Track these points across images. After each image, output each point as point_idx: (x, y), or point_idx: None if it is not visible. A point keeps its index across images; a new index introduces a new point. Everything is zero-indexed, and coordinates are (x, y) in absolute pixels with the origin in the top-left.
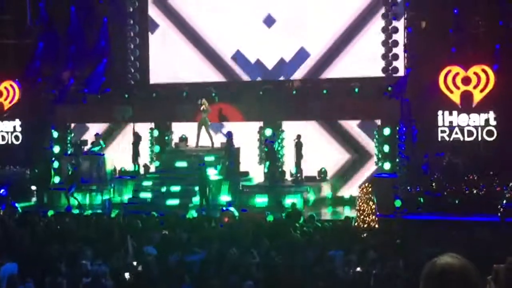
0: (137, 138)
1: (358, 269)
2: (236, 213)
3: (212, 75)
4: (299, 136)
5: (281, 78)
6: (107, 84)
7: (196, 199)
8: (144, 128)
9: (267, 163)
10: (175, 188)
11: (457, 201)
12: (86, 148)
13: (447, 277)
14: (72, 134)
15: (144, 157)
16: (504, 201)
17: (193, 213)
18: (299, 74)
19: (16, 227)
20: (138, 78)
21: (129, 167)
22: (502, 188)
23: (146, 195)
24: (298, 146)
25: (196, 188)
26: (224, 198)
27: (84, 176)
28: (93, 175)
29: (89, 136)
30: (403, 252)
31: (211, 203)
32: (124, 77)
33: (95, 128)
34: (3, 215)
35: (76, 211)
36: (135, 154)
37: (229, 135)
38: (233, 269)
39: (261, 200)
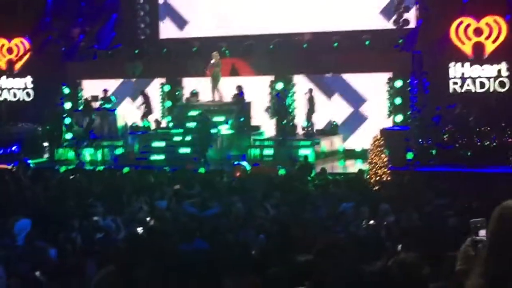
0: (145, 98)
1: (371, 222)
2: (248, 167)
3: (223, 30)
4: (310, 90)
5: (292, 31)
6: (117, 40)
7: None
8: (155, 84)
9: (276, 117)
10: (187, 139)
11: (469, 153)
12: (97, 104)
13: (505, 215)
14: (83, 90)
15: (156, 112)
16: None
17: (204, 168)
18: (309, 26)
19: (29, 183)
20: (148, 33)
21: (141, 122)
22: None
23: (158, 149)
24: (310, 99)
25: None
26: (236, 152)
27: (95, 132)
28: (104, 130)
29: (99, 92)
30: (416, 204)
31: (223, 157)
32: (134, 32)
33: (106, 84)
34: (16, 171)
35: (88, 167)
36: (146, 112)
37: (240, 92)
38: (245, 223)
39: (270, 153)
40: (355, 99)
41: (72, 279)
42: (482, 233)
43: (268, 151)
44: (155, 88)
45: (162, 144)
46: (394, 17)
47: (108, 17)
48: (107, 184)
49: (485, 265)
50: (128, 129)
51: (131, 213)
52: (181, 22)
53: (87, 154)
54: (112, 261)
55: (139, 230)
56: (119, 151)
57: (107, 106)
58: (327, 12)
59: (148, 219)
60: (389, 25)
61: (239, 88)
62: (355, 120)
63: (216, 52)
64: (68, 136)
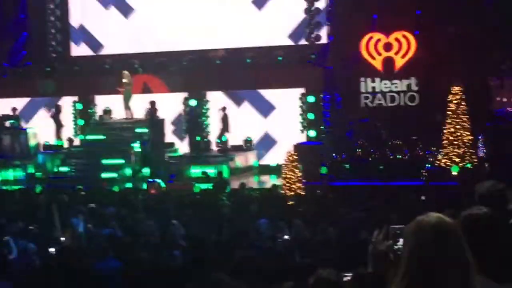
0: (56, 111)
1: (286, 237)
2: (163, 185)
3: (135, 47)
4: (224, 108)
5: (205, 48)
6: (27, 58)
7: (123, 172)
8: (67, 102)
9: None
10: (106, 161)
11: (382, 167)
12: (7, 123)
13: (441, 230)
14: None
15: (68, 131)
16: (428, 165)
17: (119, 187)
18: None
19: None
20: (60, 50)
21: (53, 141)
22: (425, 152)
23: (71, 169)
24: (224, 117)
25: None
26: (149, 170)
27: (6, 151)
28: (15, 150)
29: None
30: (332, 218)
31: (138, 175)
32: (45, 50)
33: (16, 103)
34: None
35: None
36: (58, 127)
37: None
38: (160, 241)
39: (194, 171)
40: (268, 113)
41: None
42: (401, 242)
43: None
44: (68, 106)
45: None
46: (306, 33)
47: (17, 35)
48: (21, 203)
49: (403, 279)
50: (40, 147)
51: (45, 233)
52: (96, 45)
53: None
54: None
55: (53, 250)
56: (31, 170)
57: (16, 124)
58: (240, 28)
59: (62, 238)
60: (301, 41)
61: (152, 103)
62: (269, 136)
63: (126, 71)
64: None
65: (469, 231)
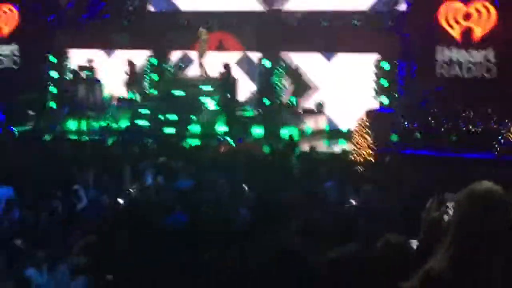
0: (130, 66)
1: (353, 201)
2: (233, 144)
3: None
4: (297, 67)
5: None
6: (105, 10)
7: (193, 128)
8: (142, 56)
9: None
10: (173, 116)
11: (454, 138)
12: (83, 74)
13: (492, 198)
14: (70, 59)
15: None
16: (501, 139)
17: (189, 142)
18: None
19: (13, 150)
20: (137, 4)
21: (127, 94)
22: (499, 126)
23: (143, 123)
24: (296, 77)
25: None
26: (221, 128)
27: (80, 102)
28: (89, 101)
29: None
30: (400, 186)
31: (208, 132)
32: (123, 3)
33: (92, 54)
34: (0, 138)
35: (73, 136)
36: (129, 81)
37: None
38: (227, 198)
39: (257, 131)
40: (341, 78)
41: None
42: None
43: (254, 128)
44: (142, 61)
45: (146, 123)
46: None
47: None
48: (92, 154)
49: (449, 248)
50: (113, 99)
51: (114, 184)
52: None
53: (71, 124)
54: (94, 231)
55: (121, 201)
56: (104, 122)
57: (90, 75)
58: None
59: (131, 190)
60: (378, 7)
61: (227, 66)
62: (342, 101)
63: (203, 28)
64: (53, 105)
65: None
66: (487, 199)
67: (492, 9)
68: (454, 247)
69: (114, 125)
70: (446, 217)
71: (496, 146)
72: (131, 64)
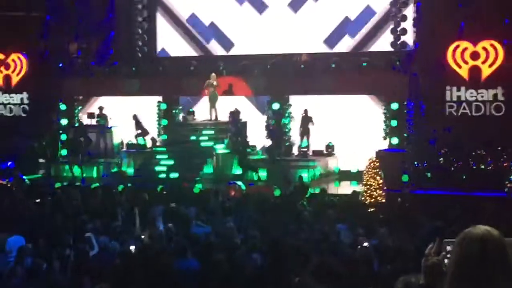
0: (136, 121)
1: (366, 244)
2: (243, 187)
3: (218, 50)
4: (306, 111)
5: (289, 52)
6: (114, 57)
7: (203, 172)
8: (152, 102)
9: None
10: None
11: (464, 176)
12: (93, 121)
13: (488, 242)
14: (80, 107)
15: (152, 131)
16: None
17: (199, 187)
18: (306, 46)
19: (24, 199)
20: (146, 51)
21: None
22: (509, 164)
23: (155, 168)
24: (305, 120)
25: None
26: (235, 171)
27: (91, 149)
28: (100, 147)
29: (95, 109)
30: (411, 226)
31: (220, 176)
32: (132, 50)
33: (102, 102)
34: (11, 187)
35: (82, 183)
36: (140, 134)
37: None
38: (239, 243)
39: (263, 174)
40: (350, 120)
41: None
42: None
43: (261, 172)
44: (152, 106)
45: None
46: (392, 40)
47: (106, 34)
48: (102, 201)
49: None
50: (123, 146)
51: (125, 230)
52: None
53: (83, 171)
54: (106, 279)
55: (133, 248)
56: (114, 168)
57: (102, 123)
58: (325, 34)
59: (142, 237)
60: (387, 47)
61: (233, 114)
62: (351, 142)
63: (214, 73)
64: (64, 152)
65: None
66: (484, 240)
67: (499, 48)
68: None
69: (124, 171)
70: (445, 261)
71: (507, 184)
72: (136, 118)
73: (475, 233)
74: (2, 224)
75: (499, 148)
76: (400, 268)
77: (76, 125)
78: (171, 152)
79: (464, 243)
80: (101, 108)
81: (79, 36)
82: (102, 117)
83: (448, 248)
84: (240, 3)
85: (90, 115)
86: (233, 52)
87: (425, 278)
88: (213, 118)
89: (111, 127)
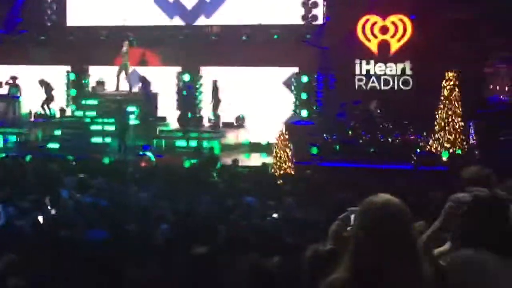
0: (44, 86)
1: (275, 215)
2: (153, 158)
3: (132, 18)
4: (215, 81)
5: (200, 23)
6: (23, 25)
7: (113, 143)
8: (61, 71)
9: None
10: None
11: (372, 149)
12: (3, 88)
13: (389, 209)
14: None
15: (60, 101)
16: (418, 150)
17: (109, 158)
18: (217, 17)
19: None
20: (55, 19)
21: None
22: (416, 137)
23: (62, 138)
24: (215, 91)
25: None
26: (141, 143)
27: None
28: (8, 117)
29: (3, 78)
30: (319, 198)
31: (128, 147)
32: (41, 18)
33: (11, 70)
34: None
35: None
36: (46, 100)
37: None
38: (147, 213)
39: (180, 144)
40: (261, 92)
41: None
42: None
43: (181, 142)
44: (61, 76)
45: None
46: (302, 13)
47: (14, 1)
48: (9, 171)
49: (350, 259)
50: (31, 116)
51: (33, 201)
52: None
53: None
54: (13, 250)
55: (40, 218)
56: (22, 138)
57: (14, 92)
58: (237, 5)
59: (49, 208)
60: (297, 20)
61: (143, 79)
62: (262, 115)
63: (127, 42)
64: None
65: (470, 211)
66: (386, 208)
67: (408, 22)
68: (354, 257)
69: (32, 141)
70: (348, 229)
71: (413, 157)
72: (44, 83)
73: (376, 202)
74: None
75: (406, 122)
76: (309, 238)
77: None
78: (80, 123)
79: (365, 212)
80: (14, 78)
81: None
82: (14, 86)
83: (353, 215)
84: None
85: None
86: (145, 23)
87: (332, 243)
88: (125, 88)
89: (18, 97)
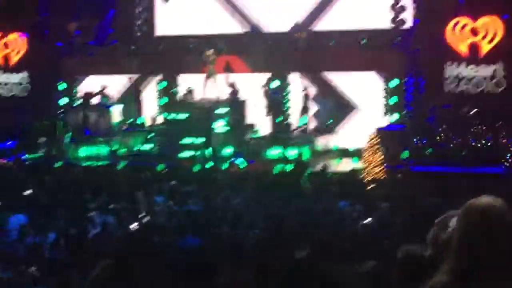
0: (136, 93)
1: (367, 220)
2: (243, 165)
3: (220, 27)
4: (306, 88)
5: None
6: (113, 36)
7: (204, 151)
8: (151, 81)
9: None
10: (186, 141)
11: (463, 153)
12: (93, 100)
13: (491, 212)
14: (79, 86)
15: (151, 109)
16: (510, 154)
17: (199, 166)
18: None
19: (24, 178)
20: (145, 30)
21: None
22: (508, 140)
23: (153, 147)
24: (305, 97)
25: (203, 140)
26: (230, 150)
27: (91, 128)
28: (100, 126)
29: (95, 88)
30: (411, 203)
31: (218, 155)
32: (131, 29)
33: (102, 80)
34: (11, 166)
35: (84, 163)
36: (138, 109)
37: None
38: (238, 219)
39: (273, 152)
40: (351, 97)
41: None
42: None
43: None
44: (152, 85)
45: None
46: (391, 17)
47: (105, 13)
48: (103, 179)
49: (450, 262)
50: (123, 125)
51: (126, 209)
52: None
53: (83, 150)
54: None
55: (135, 225)
56: (114, 147)
57: (104, 102)
58: (325, 11)
59: (143, 214)
60: (384, 25)
61: (232, 86)
62: (351, 119)
63: (211, 50)
64: (64, 132)
65: None
66: (486, 213)
67: (499, 23)
68: (455, 261)
69: (124, 150)
70: (448, 233)
71: (505, 160)
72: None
73: (477, 205)
74: (3, 204)
75: (498, 124)
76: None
77: (77, 104)
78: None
79: (465, 215)
80: (103, 87)
81: (78, 15)
82: (104, 96)
83: (453, 220)
84: None
85: (91, 95)
86: (232, 30)
87: (431, 250)
88: (212, 96)
89: (110, 106)
